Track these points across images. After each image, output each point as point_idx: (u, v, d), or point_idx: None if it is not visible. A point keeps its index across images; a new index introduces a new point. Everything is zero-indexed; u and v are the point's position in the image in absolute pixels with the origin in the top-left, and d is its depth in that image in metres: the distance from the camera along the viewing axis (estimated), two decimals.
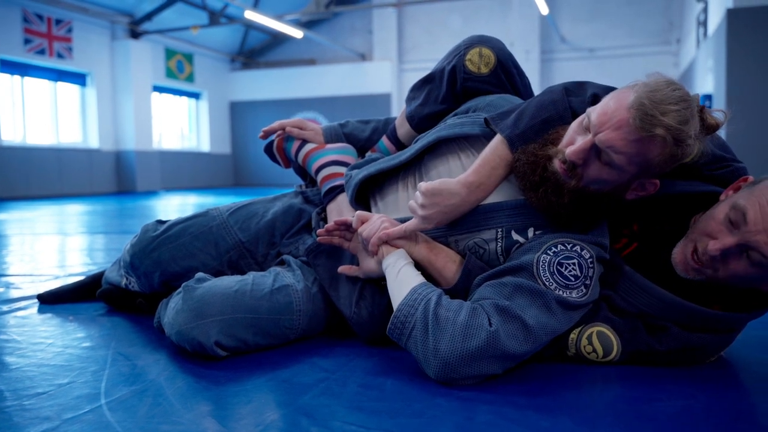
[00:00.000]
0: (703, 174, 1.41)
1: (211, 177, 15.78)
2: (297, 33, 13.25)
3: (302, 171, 1.91)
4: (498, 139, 1.40)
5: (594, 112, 1.25)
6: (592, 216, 1.38)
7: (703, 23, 9.86)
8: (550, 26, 13.95)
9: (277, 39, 16.36)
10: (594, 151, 1.25)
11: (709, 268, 1.29)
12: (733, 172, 1.41)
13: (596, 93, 1.39)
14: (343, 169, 1.74)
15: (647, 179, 1.29)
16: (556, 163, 1.31)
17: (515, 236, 1.42)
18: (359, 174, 1.61)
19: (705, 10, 9.71)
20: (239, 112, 16.47)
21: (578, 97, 1.41)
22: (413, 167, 1.61)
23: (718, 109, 1.26)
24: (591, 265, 1.32)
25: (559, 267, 1.30)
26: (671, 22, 13.76)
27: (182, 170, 14.73)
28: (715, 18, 8.51)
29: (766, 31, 7.37)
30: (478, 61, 1.64)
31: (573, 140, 1.30)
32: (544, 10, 12.07)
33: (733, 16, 7.50)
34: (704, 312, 1.31)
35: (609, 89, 1.38)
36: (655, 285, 1.33)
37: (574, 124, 1.32)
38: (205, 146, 15.87)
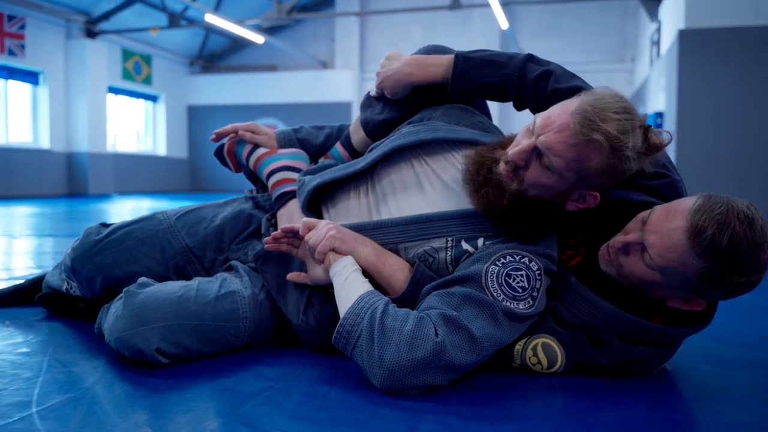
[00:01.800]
0: (640, 184, 1.44)
1: (167, 181, 15.52)
2: (258, 38, 13.16)
3: (253, 176, 1.88)
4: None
5: (540, 117, 1.29)
6: (536, 225, 1.39)
7: (657, 43, 10.15)
8: (510, 41, 14.17)
9: (238, 44, 16.23)
10: (535, 153, 1.28)
11: (616, 262, 1.34)
12: (669, 184, 1.44)
13: (551, 70, 1.51)
14: (294, 175, 1.72)
15: (587, 190, 1.31)
16: (501, 166, 1.33)
17: (465, 245, 1.42)
18: (312, 181, 1.59)
19: (658, 30, 10.00)
20: (198, 117, 16.26)
21: (537, 65, 1.53)
22: (366, 175, 1.60)
23: (664, 130, 1.29)
24: (539, 277, 1.33)
25: (507, 278, 1.31)
26: (626, 41, 14.13)
27: (137, 174, 14.45)
28: (668, 38, 8.77)
29: (716, 52, 7.62)
30: None
31: (518, 143, 1.33)
32: (504, 24, 12.25)
33: (684, 36, 7.73)
34: (644, 325, 1.33)
35: (569, 74, 1.52)
36: (599, 298, 1.34)
37: (523, 129, 1.35)
38: (162, 150, 15.60)
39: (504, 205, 1.34)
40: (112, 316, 1.41)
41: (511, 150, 1.31)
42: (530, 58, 1.56)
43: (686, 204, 1.25)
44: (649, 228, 1.28)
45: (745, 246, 1.18)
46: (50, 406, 1.15)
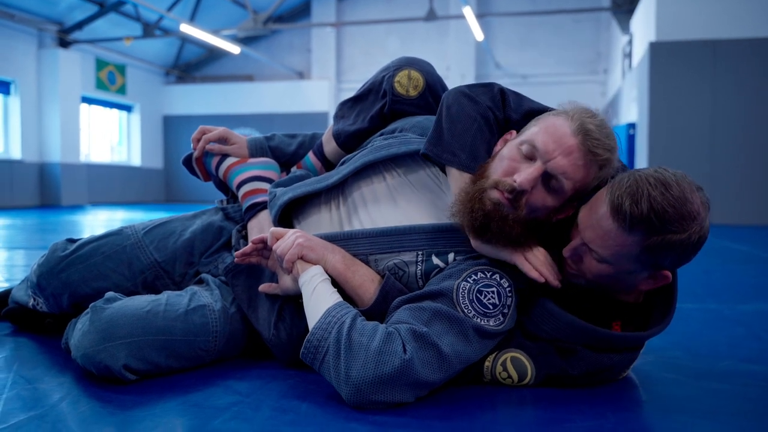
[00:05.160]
0: None
1: (142, 192, 15.35)
2: (234, 48, 13.12)
3: (223, 185, 1.86)
4: (453, 171, 1.41)
5: (537, 140, 1.29)
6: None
7: (628, 55, 10.31)
8: (485, 52, 14.30)
9: (214, 54, 16.16)
10: (542, 178, 1.29)
11: (579, 271, 1.34)
12: None
13: (502, 89, 1.46)
14: (265, 185, 1.71)
15: (571, 201, 1.34)
16: (496, 194, 1.30)
17: (435, 260, 1.42)
18: (284, 195, 1.58)
19: (630, 43, 10.16)
20: (173, 127, 16.12)
21: (481, 95, 1.45)
22: (337, 188, 1.59)
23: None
24: (509, 294, 1.33)
25: (478, 295, 1.31)
26: (599, 53, 14.33)
27: (111, 184, 14.27)
28: (639, 50, 8.91)
29: (686, 64, 7.77)
30: (407, 84, 1.65)
31: (514, 169, 1.31)
32: (479, 36, 12.37)
33: (655, 49, 7.87)
34: (608, 334, 1.34)
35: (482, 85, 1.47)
36: (563, 311, 1.34)
37: (512, 153, 1.32)
38: (136, 160, 15.44)
39: (519, 233, 1.31)
40: (78, 332, 1.39)
41: (519, 178, 1.28)
42: (468, 96, 1.45)
43: (604, 190, 1.28)
44: (582, 226, 1.30)
45: (668, 205, 1.19)
46: (13, 424, 1.12)
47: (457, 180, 1.39)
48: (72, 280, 1.62)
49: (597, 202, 1.27)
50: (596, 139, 1.26)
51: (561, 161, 1.26)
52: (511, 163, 1.31)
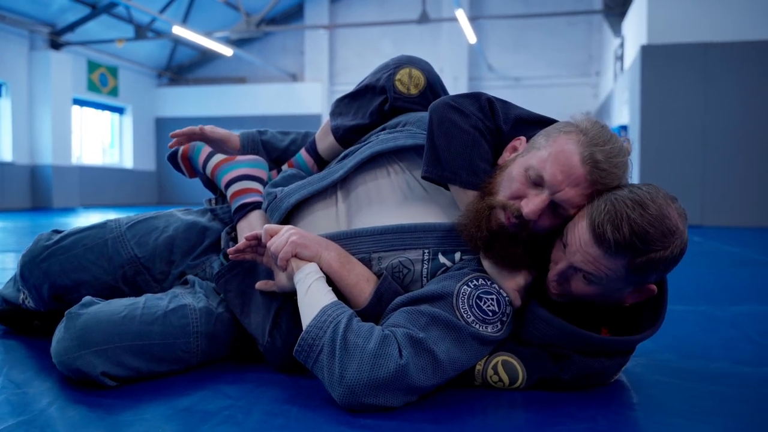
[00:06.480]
0: None
1: (134, 194, 15.29)
2: (227, 51, 13.10)
3: (210, 183, 1.84)
4: (457, 188, 1.40)
5: (546, 171, 1.27)
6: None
7: (620, 58, 10.35)
8: (478, 55, 14.33)
9: (207, 56, 16.13)
10: (549, 205, 1.29)
11: (565, 291, 1.34)
12: None
13: (489, 98, 1.45)
14: (254, 184, 1.69)
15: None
16: (503, 216, 1.31)
17: (442, 259, 1.41)
18: (290, 197, 1.55)
19: (622, 45, 10.20)
20: (165, 129, 16.05)
21: (469, 106, 1.43)
22: (335, 184, 1.57)
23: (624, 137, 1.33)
24: (508, 303, 1.33)
25: (478, 301, 1.31)
26: (591, 56, 14.38)
27: (103, 187, 14.22)
28: (631, 53, 8.95)
29: (677, 67, 7.80)
30: (408, 82, 1.64)
31: (521, 193, 1.30)
32: (472, 39, 12.39)
33: (646, 52, 7.90)
34: (600, 339, 1.34)
35: (466, 95, 1.46)
36: (554, 316, 1.34)
37: (520, 176, 1.31)
38: (129, 163, 15.39)
39: (521, 253, 1.33)
40: (54, 339, 1.37)
41: (525, 207, 1.28)
42: (458, 110, 1.43)
43: (583, 215, 1.28)
44: (570, 249, 1.29)
45: (648, 226, 1.20)
46: (2, 429, 1.11)
47: (462, 197, 1.39)
48: (52, 270, 1.60)
49: (579, 228, 1.27)
50: (604, 170, 1.25)
51: (569, 192, 1.26)
52: (519, 186, 1.31)
